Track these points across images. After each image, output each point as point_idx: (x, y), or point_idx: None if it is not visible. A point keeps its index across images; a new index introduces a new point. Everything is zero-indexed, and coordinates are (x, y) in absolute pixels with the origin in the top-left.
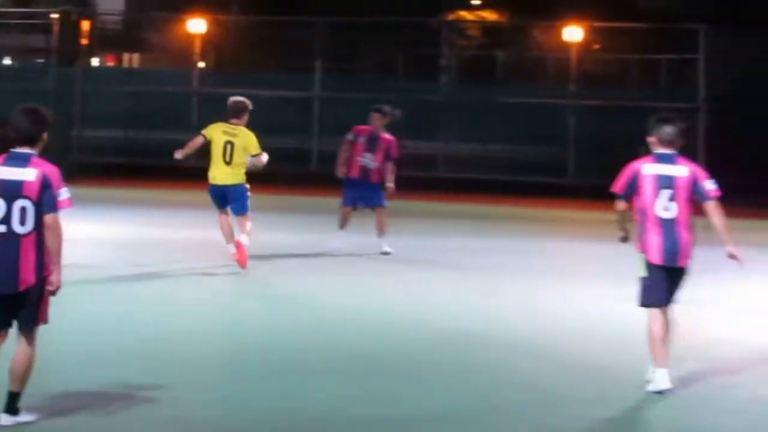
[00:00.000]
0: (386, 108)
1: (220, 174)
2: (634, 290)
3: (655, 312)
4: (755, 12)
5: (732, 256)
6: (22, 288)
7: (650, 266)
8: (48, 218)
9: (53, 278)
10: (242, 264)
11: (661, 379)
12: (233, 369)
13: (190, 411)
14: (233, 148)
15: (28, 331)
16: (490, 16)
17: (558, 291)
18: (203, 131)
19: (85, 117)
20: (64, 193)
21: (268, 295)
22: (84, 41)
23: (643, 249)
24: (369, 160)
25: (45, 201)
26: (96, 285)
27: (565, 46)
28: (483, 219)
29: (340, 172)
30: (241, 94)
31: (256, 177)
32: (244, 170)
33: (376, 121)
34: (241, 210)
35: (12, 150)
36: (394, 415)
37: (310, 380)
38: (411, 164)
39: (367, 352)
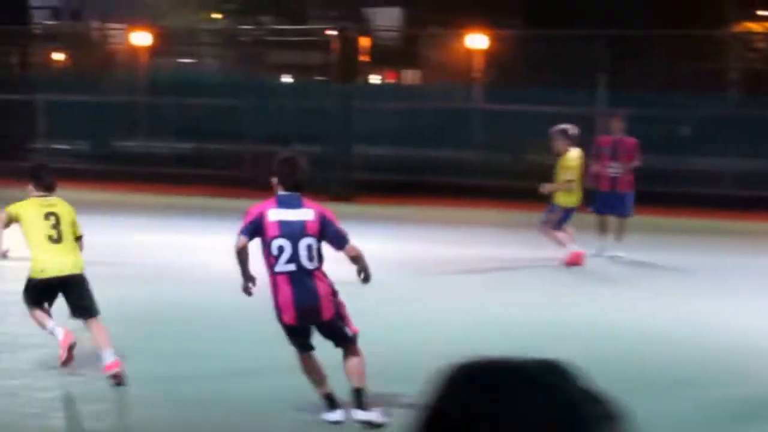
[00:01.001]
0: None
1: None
2: None
3: None
4: None
5: None
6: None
7: None
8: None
9: None
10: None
11: None
12: None
13: None
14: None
15: None
16: None
17: None
18: None
19: (364, 134)
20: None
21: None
22: (362, 58)
23: None
24: (616, 169)
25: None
26: (378, 305)
27: None
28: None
29: (590, 183)
30: (522, 111)
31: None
32: None
33: (617, 124)
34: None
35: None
36: None
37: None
38: (695, 180)
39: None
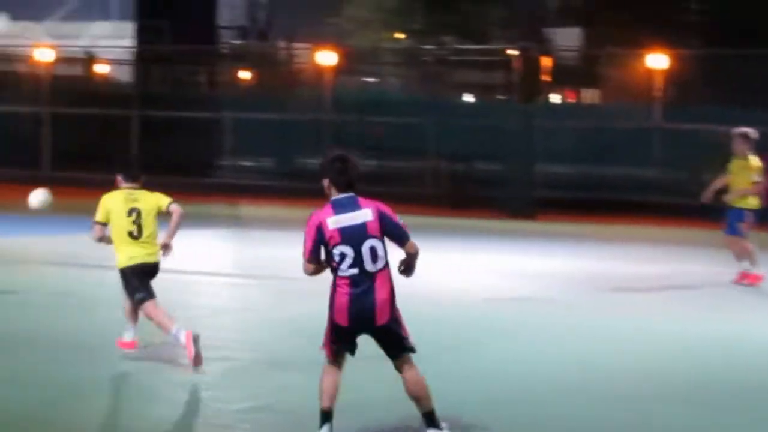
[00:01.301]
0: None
1: None
2: None
3: None
4: None
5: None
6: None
7: None
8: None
9: None
10: None
11: None
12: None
13: None
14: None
15: None
16: None
17: None
18: None
19: (545, 153)
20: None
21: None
22: (544, 78)
23: None
24: None
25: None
26: (557, 319)
27: None
28: None
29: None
30: (701, 130)
31: None
32: None
33: None
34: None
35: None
36: None
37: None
38: None
39: None
